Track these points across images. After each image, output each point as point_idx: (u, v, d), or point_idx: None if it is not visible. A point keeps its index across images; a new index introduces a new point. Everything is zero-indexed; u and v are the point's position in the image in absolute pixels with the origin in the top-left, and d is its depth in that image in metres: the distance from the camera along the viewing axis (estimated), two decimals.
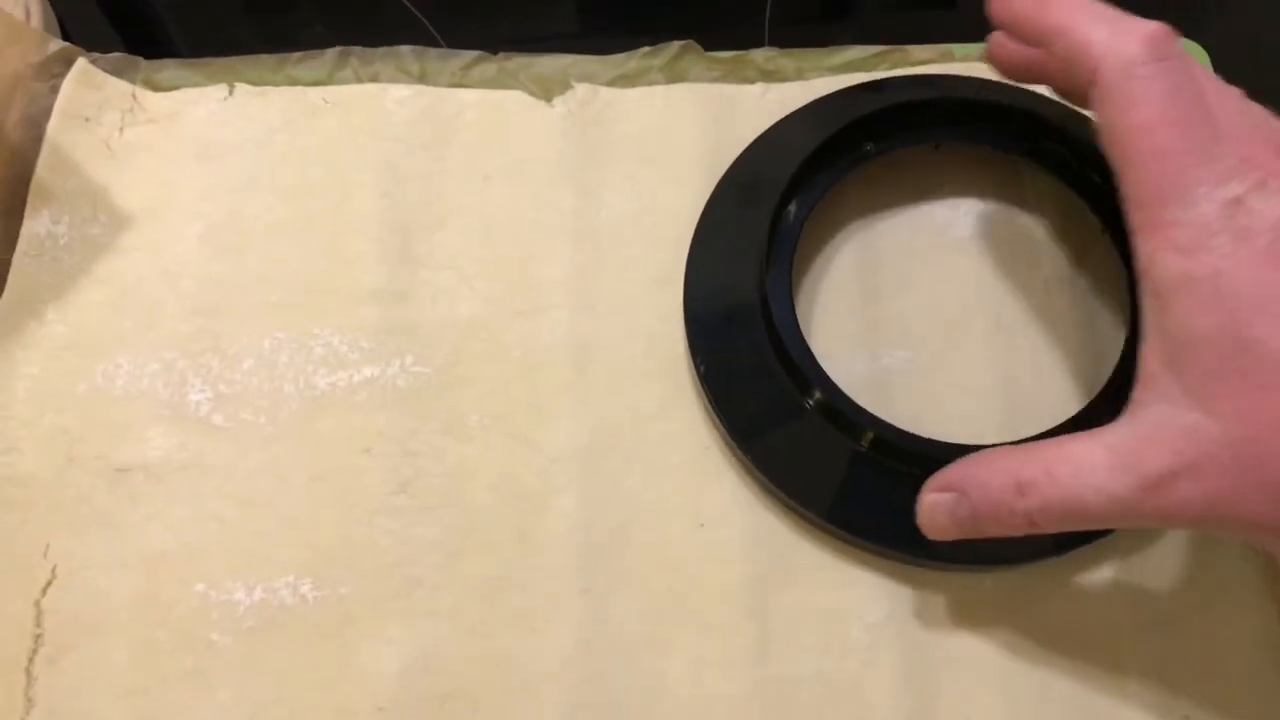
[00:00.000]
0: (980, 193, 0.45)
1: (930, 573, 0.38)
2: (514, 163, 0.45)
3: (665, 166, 0.45)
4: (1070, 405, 0.40)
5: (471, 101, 0.46)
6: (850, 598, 0.38)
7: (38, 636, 0.37)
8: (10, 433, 0.40)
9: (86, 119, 0.45)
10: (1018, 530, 0.32)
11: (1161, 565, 0.38)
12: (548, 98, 0.46)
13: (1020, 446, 0.33)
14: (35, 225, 0.43)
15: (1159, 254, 0.30)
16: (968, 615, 0.38)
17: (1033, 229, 0.44)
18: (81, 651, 0.37)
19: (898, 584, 0.38)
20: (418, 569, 0.38)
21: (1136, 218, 0.31)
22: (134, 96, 0.46)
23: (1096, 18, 0.32)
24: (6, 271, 0.42)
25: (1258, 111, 0.32)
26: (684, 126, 0.46)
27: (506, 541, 0.39)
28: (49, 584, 0.38)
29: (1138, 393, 0.31)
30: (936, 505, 0.34)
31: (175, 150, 0.45)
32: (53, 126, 0.45)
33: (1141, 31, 0.31)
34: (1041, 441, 0.33)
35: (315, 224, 0.44)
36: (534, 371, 0.41)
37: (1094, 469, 0.30)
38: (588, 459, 0.40)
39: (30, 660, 0.37)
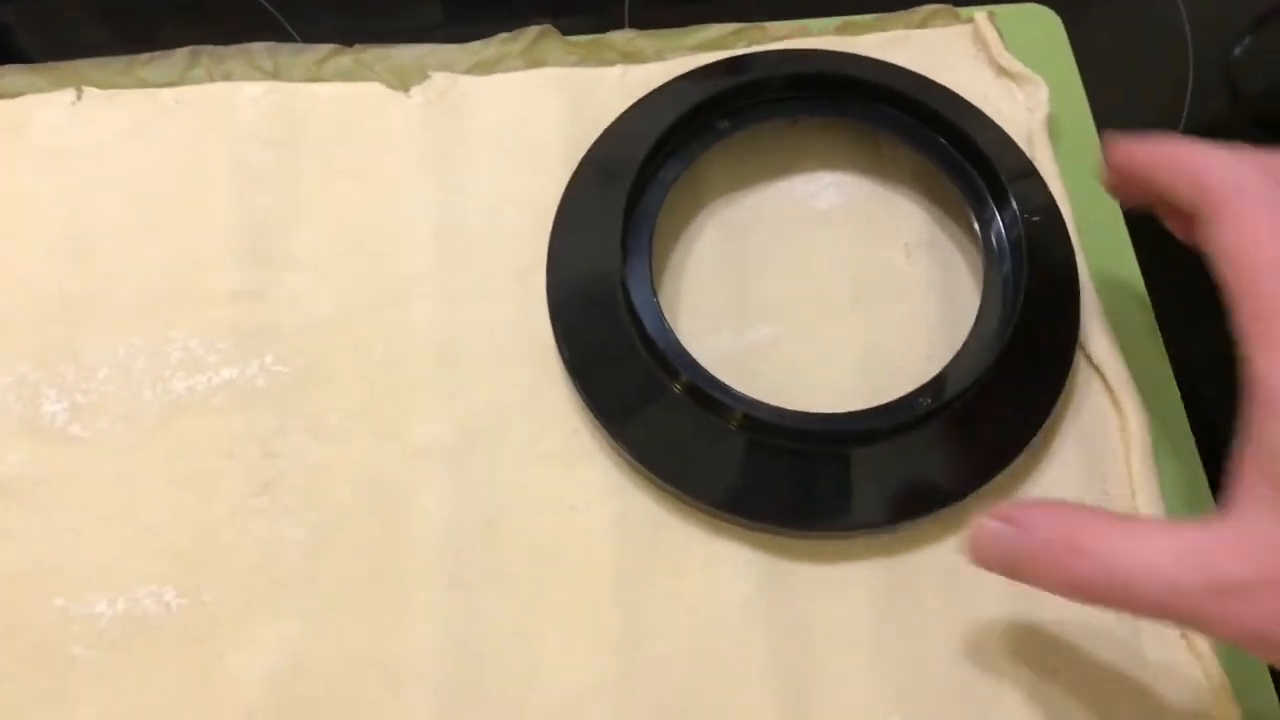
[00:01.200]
0: (839, 165, 0.45)
1: (799, 544, 0.38)
2: (372, 156, 0.45)
3: (526, 153, 0.45)
4: (930, 370, 0.41)
5: (326, 96, 0.45)
6: (719, 574, 0.38)
7: None
8: None
9: None
10: (1058, 591, 0.31)
11: None
12: (405, 88, 0.46)
13: (1090, 509, 0.33)
14: None
15: (1275, 366, 0.29)
16: (836, 584, 0.38)
17: (891, 198, 0.44)
18: None
19: (767, 557, 0.38)
20: (282, 571, 0.38)
21: (1250, 330, 0.30)
22: None
23: (1209, 148, 0.33)
24: None
25: None
26: (544, 112, 0.45)
27: (372, 540, 0.38)
28: None
29: (1229, 498, 0.30)
30: (990, 532, 0.33)
31: (21, 158, 0.44)
32: None
33: (1255, 159, 0.32)
34: (1119, 515, 0.32)
35: (169, 228, 0.43)
36: (397, 367, 0.41)
37: (1159, 553, 0.29)
38: (454, 452, 0.40)
39: None
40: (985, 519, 0.33)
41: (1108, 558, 0.30)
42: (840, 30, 0.47)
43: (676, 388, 0.39)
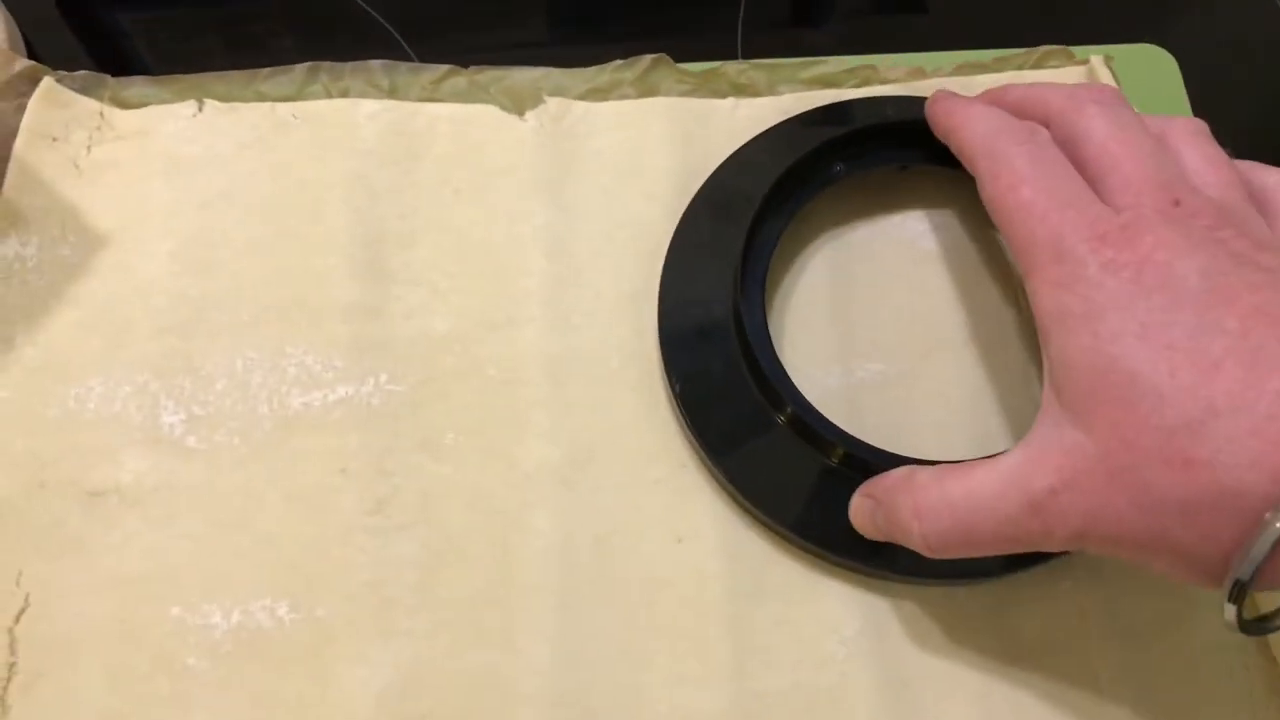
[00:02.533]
0: (947, 207, 0.45)
1: (904, 585, 0.39)
2: (486, 177, 0.45)
3: (637, 180, 0.45)
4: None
5: (442, 115, 0.46)
6: (825, 611, 0.38)
7: (12, 665, 0.37)
8: None
9: (54, 138, 0.45)
10: (925, 552, 0.33)
11: (1134, 574, 0.39)
12: (519, 111, 0.46)
13: (932, 469, 0.34)
14: (3, 247, 0.43)
15: (1039, 291, 0.32)
16: (942, 627, 0.38)
17: (1000, 241, 0.44)
18: (56, 678, 0.37)
19: (873, 596, 0.39)
20: (394, 589, 0.38)
21: (1021, 264, 0.33)
22: (101, 114, 0.45)
23: (968, 104, 0.40)
24: None
25: (1175, 154, 0.34)
26: (656, 141, 0.46)
27: (483, 559, 0.39)
28: (22, 611, 0.38)
29: (1036, 421, 0.32)
30: (859, 509, 0.37)
31: (144, 168, 0.45)
32: (19, 146, 0.44)
33: (1018, 126, 0.37)
34: (949, 466, 0.34)
35: (286, 240, 0.43)
36: (508, 386, 0.41)
37: (986, 493, 0.31)
38: (564, 474, 0.40)
39: (4, 689, 0.37)
40: (858, 496, 0.37)
41: (946, 515, 0.32)
42: (956, 71, 0.47)
43: (781, 419, 0.39)
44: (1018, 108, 0.38)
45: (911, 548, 0.34)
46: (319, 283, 0.43)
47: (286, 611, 0.38)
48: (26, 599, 0.38)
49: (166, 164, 0.45)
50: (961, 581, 0.38)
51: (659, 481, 0.40)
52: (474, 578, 0.39)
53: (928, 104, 0.42)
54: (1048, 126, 0.36)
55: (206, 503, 0.39)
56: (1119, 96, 0.36)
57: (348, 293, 0.43)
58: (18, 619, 0.37)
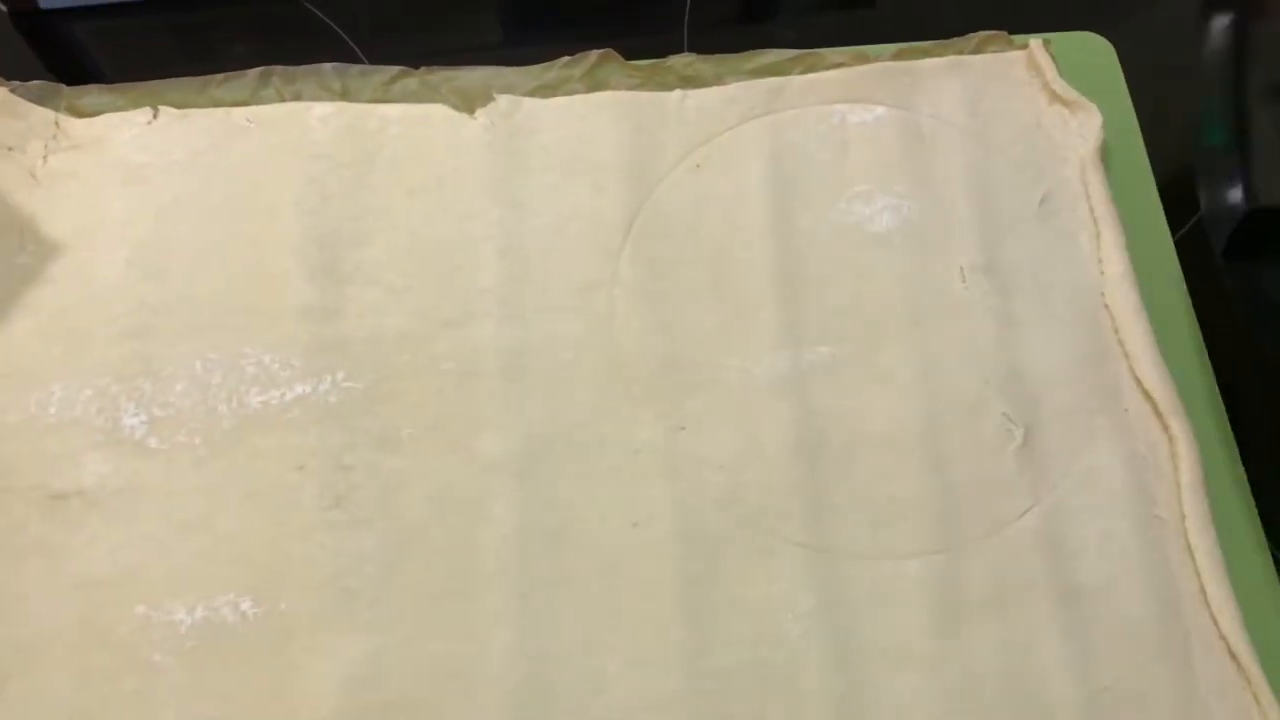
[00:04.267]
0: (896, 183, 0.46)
1: (857, 561, 0.39)
2: (438, 176, 0.46)
3: (587, 174, 0.46)
4: (986, 392, 0.42)
5: (394, 117, 0.47)
6: (780, 589, 0.39)
7: None
8: None
9: (10, 148, 0.45)
10: None
11: (1078, 538, 0.40)
12: (470, 110, 0.47)
13: None
14: None
15: None
16: (893, 600, 0.39)
17: (948, 218, 0.45)
18: (24, 680, 0.37)
19: (826, 573, 0.39)
20: (355, 581, 0.39)
21: None
22: (57, 123, 0.46)
23: None
24: None
25: None
26: (605, 134, 0.47)
27: (443, 550, 0.40)
28: None
29: None
30: None
31: (101, 175, 0.45)
32: None
33: None
34: None
35: (242, 244, 0.44)
36: (465, 381, 0.42)
37: None
38: (521, 466, 0.41)
39: None
40: None
41: None
42: (897, 56, 0.48)
43: None
44: None
45: None
46: (275, 285, 0.43)
47: (250, 606, 0.39)
48: None
49: (123, 172, 0.45)
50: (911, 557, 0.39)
51: (615, 469, 0.41)
52: (434, 569, 0.39)
53: None
54: None
55: (168, 502, 0.40)
56: None
57: (304, 294, 0.43)
58: None
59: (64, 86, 0.47)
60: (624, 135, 0.47)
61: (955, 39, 0.49)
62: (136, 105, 0.47)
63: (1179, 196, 0.46)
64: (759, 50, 0.48)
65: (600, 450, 0.41)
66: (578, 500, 0.41)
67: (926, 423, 0.42)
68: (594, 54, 0.48)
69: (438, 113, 0.47)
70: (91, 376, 0.42)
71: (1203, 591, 0.39)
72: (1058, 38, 0.49)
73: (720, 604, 0.39)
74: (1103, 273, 0.44)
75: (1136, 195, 0.46)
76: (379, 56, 0.49)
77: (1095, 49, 0.50)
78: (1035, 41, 0.48)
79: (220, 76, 0.47)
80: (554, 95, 0.47)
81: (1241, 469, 0.42)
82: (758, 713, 0.38)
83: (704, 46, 0.49)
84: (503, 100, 0.47)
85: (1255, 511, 0.41)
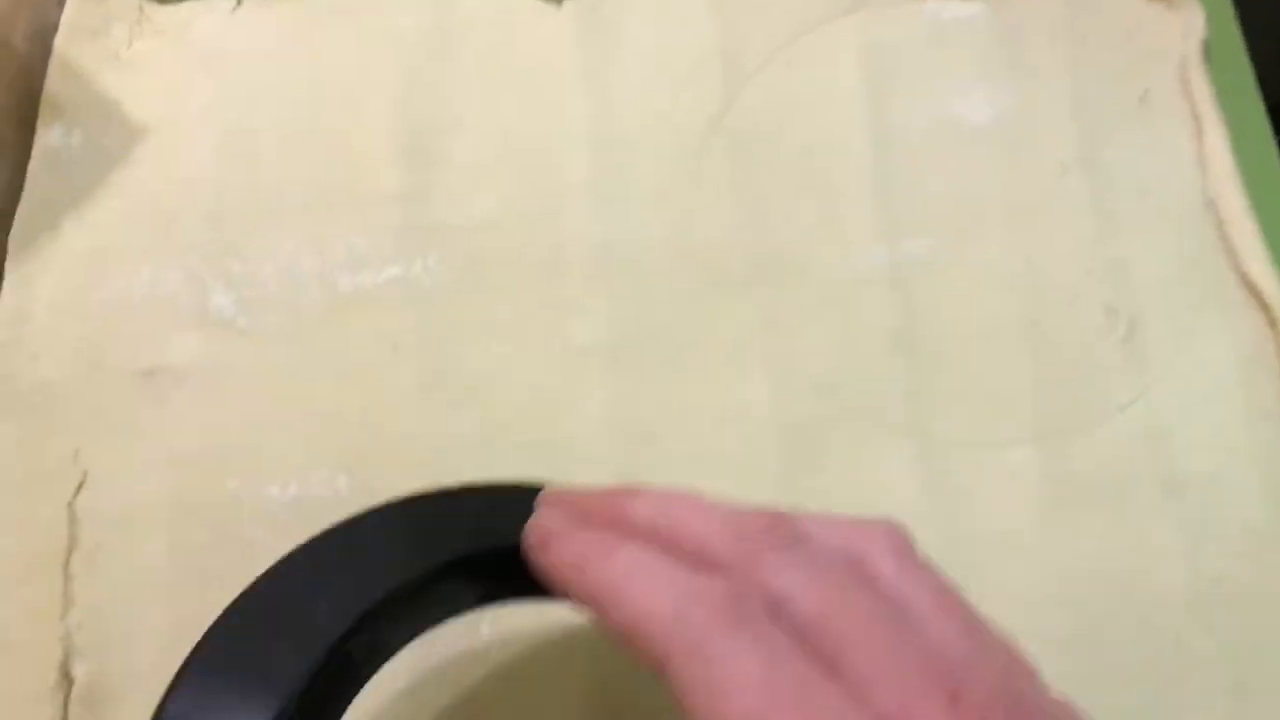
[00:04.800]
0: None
1: (960, 450, 0.39)
2: (525, 66, 0.45)
3: (677, 68, 0.45)
4: (1087, 284, 0.41)
5: (481, 6, 0.46)
6: (880, 479, 0.39)
7: (73, 537, 0.37)
8: (32, 341, 0.40)
9: (94, 32, 0.45)
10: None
11: (1186, 429, 0.39)
12: (558, 0, 0.46)
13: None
14: (48, 138, 0.43)
15: None
16: (997, 489, 0.38)
17: (1046, 114, 0.44)
18: (117, 551, 0.37)
19: (928, 460, 0.39)
20: (452, 462, 0.38)
21: None
22: (140, 9, 0.45)
23: (656, 577, 0.25)
24: (22, 183, 0.42)
25: (949, 636, 0.25)
26: (695, 28, 0.46)
27: (535, 437, 0.39)
28: (80, 486, 0.38)
29: None
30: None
31: (185, 61, 0.45)
32: (60, 40, 0.44)
33: (712, 591, 0.24)
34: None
35: (329, 130, 0.44)
36: (555, 272, 0.42)
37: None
38: (613, 358, 0.40)
39: (66, 561, 0.37)
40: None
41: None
42: None
43: None
44: (657, 536, 0.26)
45: None
46: (364, 170, 0.43)
47: (345, 484, 0.38)
48: (84, 475, 0.38)
49: (207, 57, 0.45)
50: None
51: (707, 362, 0.40)
52: (527, 455, 0.39)
53: (529, 532, 0.28)
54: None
55: (259, 381, 0.39)
56: (790, 523, 0.27)
57: (393, 179, 0.43)
58: (76, 494, 0.38)
59: None
60: (714, 30, 0.46)
61: None
62: None
63: None
64: None
65: (692, 344, 0.41)
66: (670, 392, 0.40)
67: (1027, 314, 0.41)
68: None
69: (525, 3, 0.46)
70: (179, 258, 0.41)
71: None
72: None
73: (819, 494, 0.38)
74: (1205, 171, 0.43)
75: (1238, 94, 0.45)
76: None
77: None
78: None
79: None
80: None
81: None
82: None
83: None
84: None
85: None
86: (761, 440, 0.39)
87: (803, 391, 0.40)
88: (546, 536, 0.28)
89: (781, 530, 0.26)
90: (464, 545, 0.30)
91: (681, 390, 0.40)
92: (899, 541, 0.28)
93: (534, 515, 0.29)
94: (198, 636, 0.35)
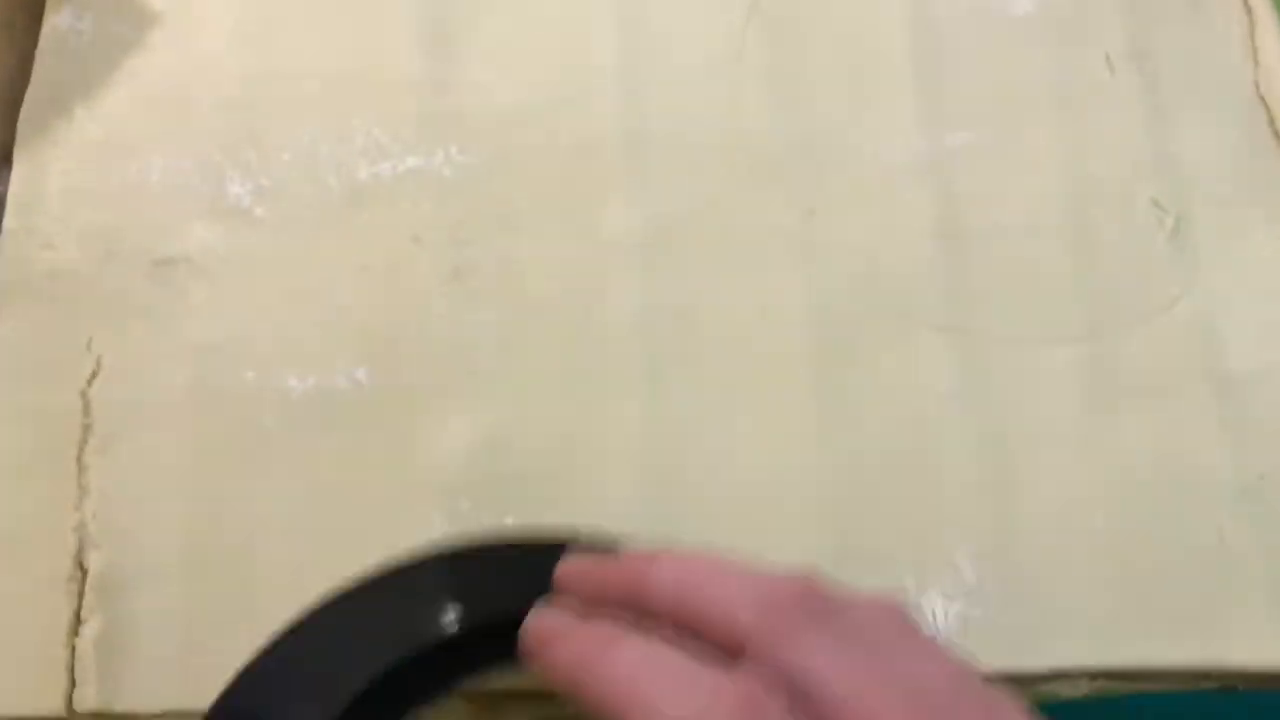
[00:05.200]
0: None
1: (1002, 346, 0.37)
2: None
3: None
4: (1134, 178, 0.39)
5: None
6: (920, 374, 0.37)
7: (86, 426, 0.36)
8: (45, 229, 0.39)
9: None
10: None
11: (1234, 325, 0.38)
12: None
13: None
14: (57, 20, 0.41)
15: None
16: (1040, 385, 0.37)
17: (1093, 3, 0.43)
18: (132, 439, 0.36)
19: (968, 355, 0.37)
20: (476, 355, 0.37)
21: None
22: None
23: (668, 678, 0.24)
24: (30, 68, 0.41)
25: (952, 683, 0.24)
26: None
27: (565, 328, 0.38)
28: (94, 375, 0.37)
29: None
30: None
31: None
32: None
33: (731, 696, 0.23)
34: None
35: (348, 16, 0.42)
36: (584, 160, 0.40)
37: None
38: (646, 247, 0.39)
39: (80, 451, 0.36)
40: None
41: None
42: None
43: None
44: (681, 607, 0.25)
45: None
46: (383, 57, 0.41)
47: (366, 375, 0.37)
48: (98, 363, 0.37)
49: None
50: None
51: (743, 251, 0.39)
52: (556, 346, 0.38)
53: (526, 635, 0.27)
54: (739, 652, 0.24)
55: (278, 271, 0.38)
56: (821, 594, 0.25)
57: (413, 66, 0.41)
58: (90, 382, 0.37)
59: None
60: None
61: None
62: None
63: None
64: None
65: (727, 232, 0.39)
66: (705, 282, 0.39)
67: (1072, 208, 0.40)
68: None
69: None
70: (194, 146, 0.40)
71: None
72: None
73: (856, 386, 0.37)
74: (1257, 63, 0.42)
75: None
76: None
77: None
78: None
79: None
80: None
81: None
82: (893, 491, 0.36)
83: None
84: None
85: None
86: (797, 332, 0.38)
87: (840, 283, 0.38)
88: (547, 636, 0.27)
89: (813, 602, 0.25)
90: (482, 609, 0.29)
91: (715, 282, 0.38)
92: (908, 622, 0.26)
93: (532, 613, 0.27)
94: (212, 525, 0.35)
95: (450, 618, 0.29)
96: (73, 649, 0.34)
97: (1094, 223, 0.39)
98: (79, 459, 0.36)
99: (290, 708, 0.28)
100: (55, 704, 0.33)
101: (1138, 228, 0.39)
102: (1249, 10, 0.42)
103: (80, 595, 0.34)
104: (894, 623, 0.25)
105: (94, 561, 0.34)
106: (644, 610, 0.26)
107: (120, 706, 0.33)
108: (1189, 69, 0.42)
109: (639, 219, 0.39)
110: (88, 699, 0.33)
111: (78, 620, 0.34)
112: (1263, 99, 0.41)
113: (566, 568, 0.28)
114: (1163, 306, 0.38)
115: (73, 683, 0.33)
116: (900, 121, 0.41)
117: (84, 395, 0.36)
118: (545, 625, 0.27)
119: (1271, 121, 0.41)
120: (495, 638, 0.28)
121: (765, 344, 0.38)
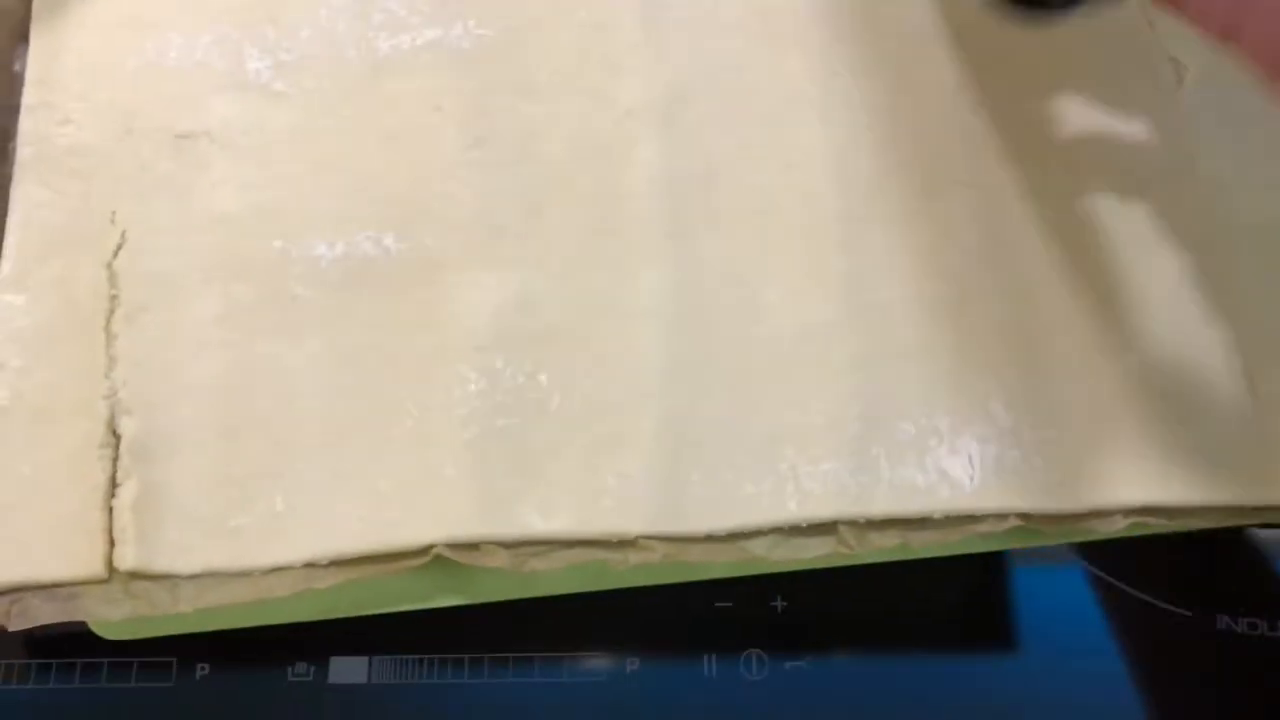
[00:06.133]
0: None
1: (1024, 201, 0.37)
2: None
3: None
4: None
5: None
6: (943, 226, 0.37)
7: (114, 297, 0.36)
8: (64, 106, 0.38)
9: None
10: None
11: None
12: None
13: None
14: None
15: None
16: (1064, 233, 0.37)
17: None
18: (160, 310, 0.36)
19: (991, 208, 0.38)
20: (502, 219, 0.37)
21: None
22: None
23: None
24: None
25: None
26: None
27: (589, 192, 0.38)
28: (119, 247, 0.36)
29: None
30: None
31: None
32: None
33: None
34: None
35: None
36: (601, 30, 0.40)
37: None
38: (666, 112, 0.39)
39: (108, 320, 0.35)
40: None
41: None
42: None
43: None
44: None
45: None
46: None
47: (393, 241, 0.37)
48: (123, 236, 0.37)
49: None
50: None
51: (764, 113, 0.39)
52: (581, 209, 0.38)
53: None
54: None
55: (300, 143, 0.38)
56: None
57: None
58: (115, 254, 0.36)
59: None
60: None
61: None
62: None
63: None
64: None
65: (748, 96, 0.39)
66: (727, 144, 0.39)
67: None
68: None
69: None
70: (210, 23, 0.40)
71: None
72: None
73: (881, 242, 0.37)
74: None
75: None
76: None
77: None
78: None
79: None
80: None
81: None
82: (924, 339, 0.36)
83: None
84: None
85: None
86: (820, 190, 0.38)
87: (861, 145, 0.38)
88: None
89: None
90: None
91: (738, 142, 0.38)
92: None
93: None
94: (245, 389, 0.35)
95: None
96: (109, 512, 0.33)
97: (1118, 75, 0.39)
98: (107, 328, 0.35)
99: None
100: (95, 567, 0.33)
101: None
102: None
103: (114, 460, 0.34)
104: None
105: (126, 428, 0.34)
106: None
107: (159, 566, 0.33)
108: None
109: (659, 86, 0.39)
110: (127, 558, 0.33)
111: (113, 485, 0.34)
112: None
113: None
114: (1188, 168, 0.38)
115: (111, 544, 0.33)
116: None
117: (110, 267, 0.36)
118: None
119: None
120: None
121: (790, 204, 0.38)
